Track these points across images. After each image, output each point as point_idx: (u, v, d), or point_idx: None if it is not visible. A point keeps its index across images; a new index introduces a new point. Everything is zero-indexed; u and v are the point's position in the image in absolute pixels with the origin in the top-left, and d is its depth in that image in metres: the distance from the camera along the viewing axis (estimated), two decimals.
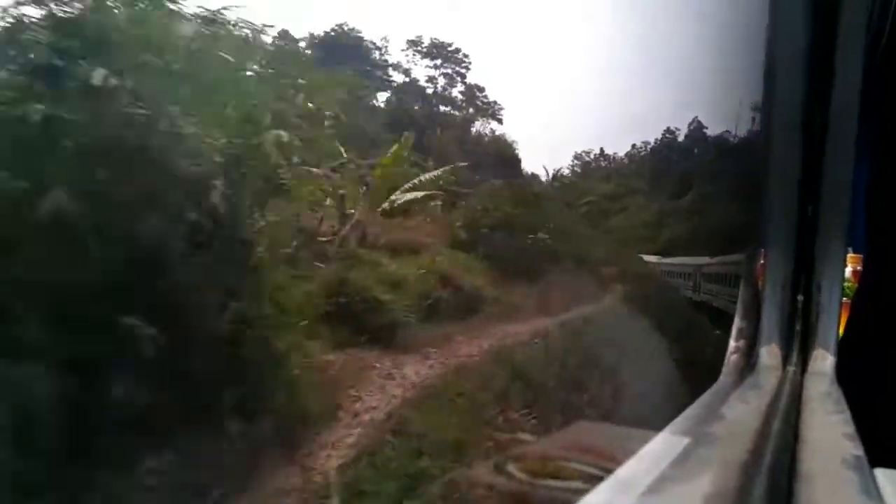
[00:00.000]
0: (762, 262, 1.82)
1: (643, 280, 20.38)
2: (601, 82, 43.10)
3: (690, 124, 34.49)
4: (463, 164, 21.67)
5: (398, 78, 35.85)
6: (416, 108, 35.41)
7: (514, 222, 16.47)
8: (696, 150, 35.06)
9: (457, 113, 37.10)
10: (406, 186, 14.37)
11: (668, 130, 36.51)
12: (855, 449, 0.98)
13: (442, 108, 36.91)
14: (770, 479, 0.80)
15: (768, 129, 1.82)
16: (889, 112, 1.93)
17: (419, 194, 14.43)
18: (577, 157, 40.38)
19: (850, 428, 1.11)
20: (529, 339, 10.81)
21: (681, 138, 36.06)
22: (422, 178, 14.79)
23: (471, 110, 36.99)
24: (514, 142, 35.07)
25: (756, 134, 2.04)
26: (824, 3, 1.66)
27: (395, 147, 14.33)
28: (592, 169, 40.19)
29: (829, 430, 1.10)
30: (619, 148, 39.46)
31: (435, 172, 15.46)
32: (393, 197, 13.98)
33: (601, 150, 40.15)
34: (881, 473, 0.94)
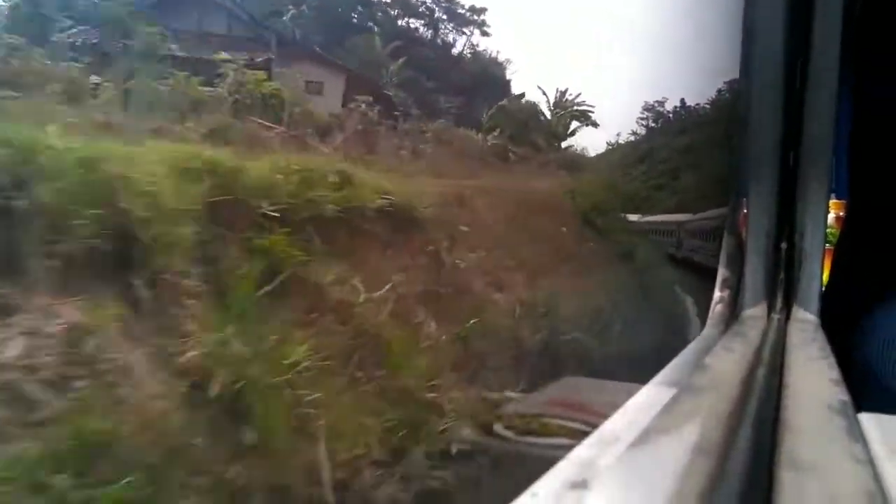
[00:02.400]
0: (745, 211, 1.81)
1: None
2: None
3: None
4: None
5: None
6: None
7: None
8: None
9: (418, 22, 29.92)
10: None
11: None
12: (840, 394, 0.98)
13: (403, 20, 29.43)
14: (755, 428, 0.80)
15: (748, 77, 1.79)
16: (871, 55, 1.90)
17: None
18: (647, 107, 34.78)
19: (835, 373, 1.11)
20: None
21: None
22: None
23: (443, 16, 29.81)
24: (505, 60, 28.84)
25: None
26: None
27: None
28: (671, 121, 35.00)
29: (813, 376, 1.10)
30: (704, 96, 33.07)
31: None
32: None
33: (682, 101, 34.48)
34: (866, 418, 0.94)
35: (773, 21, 1.67)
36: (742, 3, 1.78)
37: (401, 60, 23.58)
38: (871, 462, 0.76)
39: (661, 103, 34.62)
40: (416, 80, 24.28)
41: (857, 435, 0.83)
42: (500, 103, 24.56)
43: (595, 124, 27.85)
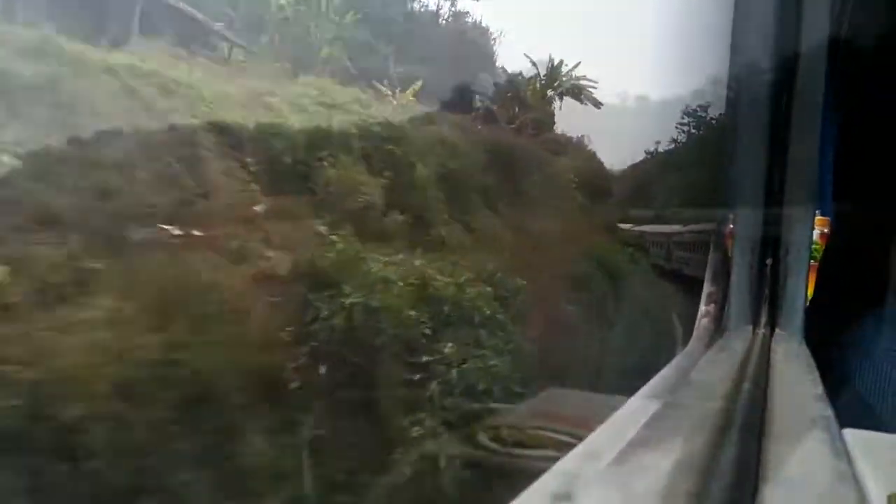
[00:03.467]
0: (731, 226, 1.82)
1: None
2: None
3: None
4: None
5: None
6: None
7: None
8: None
9: None
10: None
11: None
12: (824, 409, 0.98)
13: None
14: (740, 442, 0.79)
15: (736, 95, 1.80)
16: (856, 78, 1.92)
17: None
18: (687, 112, 32.59)
19: (819, 388, 1.11)
20: None
21: None
22: None
23: None
24: (489, 30, 25.43)
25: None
26: None
27: None
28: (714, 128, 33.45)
29: (798, 391, 1.11)
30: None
31: None
32: None
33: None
34: (849, 434, 0.94)
35: (761, 45, 1.69)
36: (730, 21, 1.80)
37: (349, 15, 18.57)
38: (854, 478, 0.76)
39: (704, 108, 33.12)
40: (368, 44, 18.61)
41: (841, 451, 0.83)
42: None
43: (597, 104, 23.41)
